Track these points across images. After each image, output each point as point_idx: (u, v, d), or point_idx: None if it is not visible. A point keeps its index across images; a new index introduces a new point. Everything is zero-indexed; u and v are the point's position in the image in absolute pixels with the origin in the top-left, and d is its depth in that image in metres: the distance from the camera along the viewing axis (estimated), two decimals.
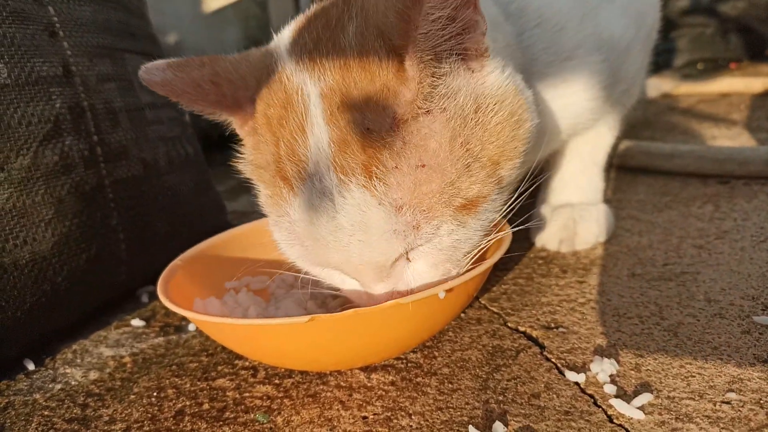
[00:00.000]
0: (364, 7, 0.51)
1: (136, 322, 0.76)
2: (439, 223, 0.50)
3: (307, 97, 0.50)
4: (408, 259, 0.52)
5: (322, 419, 0.51)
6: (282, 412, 0.53)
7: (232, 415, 0.53)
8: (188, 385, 0.60)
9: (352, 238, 0.49)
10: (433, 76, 0.49)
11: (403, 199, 0.48)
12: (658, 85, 1.86)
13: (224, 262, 0.69)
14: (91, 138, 0.74)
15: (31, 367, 0.68)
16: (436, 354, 0.59)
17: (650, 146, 1.12)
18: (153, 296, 0.85)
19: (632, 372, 0.52)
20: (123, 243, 0.78)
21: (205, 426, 0.52)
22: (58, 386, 0.63)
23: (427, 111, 0.49)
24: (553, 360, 0.56)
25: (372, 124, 0.48)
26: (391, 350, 0.57)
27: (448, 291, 0.50)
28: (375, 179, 0.47)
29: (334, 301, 0.66)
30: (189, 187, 0.93)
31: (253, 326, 0.51)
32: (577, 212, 0.81)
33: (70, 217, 0.70)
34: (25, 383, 0.65)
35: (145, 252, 0.81)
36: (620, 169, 1.15)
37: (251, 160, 0.57)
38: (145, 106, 0.86)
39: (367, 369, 0.58)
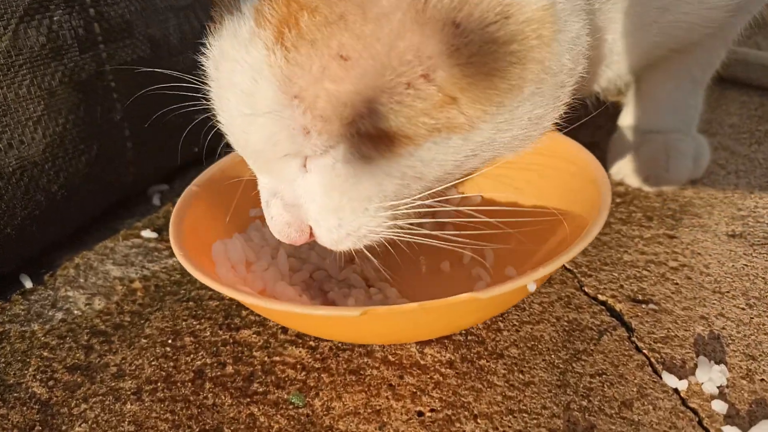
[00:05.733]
0: None
1: (147, 234, 0.67)
2: (334, 142, 0.39)
3: None
4: (305, 168, 0.42)
5: (369, 410, 0.43)
6: (320, 393, 0.44)
7: (261, 389, 0.45)
8: (208, 334, 0.52)
9: (238, 106, 0.40)
10: None
11: (300, 87, 0.37)
12: None
13: (248, 184, 0.58)
14: (86, 12, 0.59)
15: (28, 284, 0.60)
16: (501, 326, 0.50)
17: (749, 54, 0.94)
18: (166, 197, 0.75)
19: (744, 382, 0.43)
20: (129, 141, 0.66)
21: (230, 401, 0.44)
22: (59, 315, 0.55)
23: None
24: (645, 351, 0.46)
25: None
26: (452, 332, 0.48)
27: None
28: (280, 45, 0.37)
29: None
30: None
31: (296, 314, 0.41)
32: (672, 143, 0.67)
33: (65, 113, 0.58)
34: (22, 306, 0.57)
35: (156, 149, 0.70)
36: None
37: None
38: None
39: (420, 341, 0.49)
